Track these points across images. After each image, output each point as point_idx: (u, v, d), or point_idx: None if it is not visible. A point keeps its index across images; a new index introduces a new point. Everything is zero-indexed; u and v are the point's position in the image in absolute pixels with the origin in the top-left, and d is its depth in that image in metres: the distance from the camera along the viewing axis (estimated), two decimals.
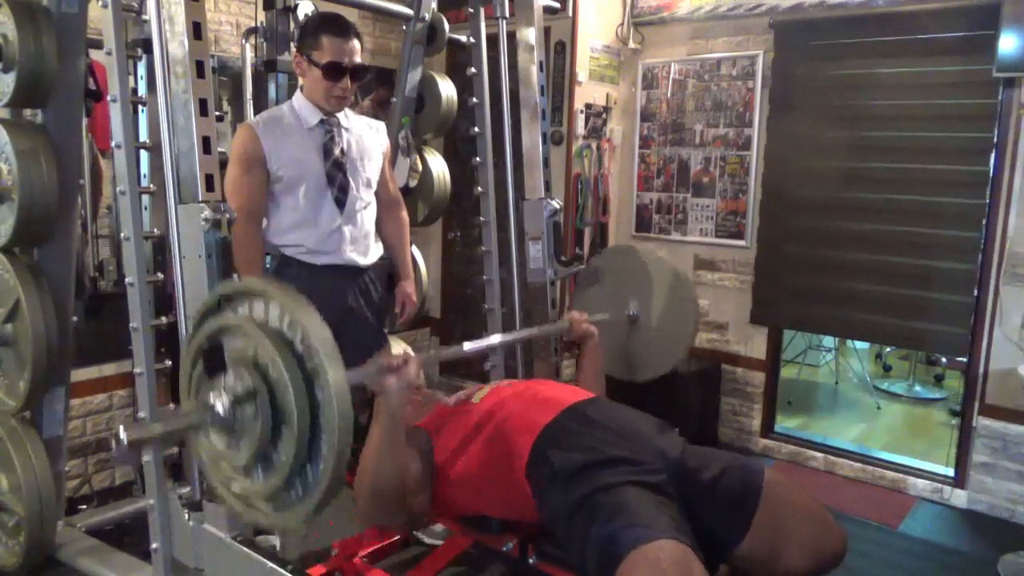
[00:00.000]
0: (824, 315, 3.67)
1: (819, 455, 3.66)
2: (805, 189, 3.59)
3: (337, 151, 2.30)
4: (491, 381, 2.35)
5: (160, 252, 2.40)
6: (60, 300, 2.22)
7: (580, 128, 3.94)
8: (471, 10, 2.81)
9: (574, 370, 2.43)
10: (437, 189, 3.24)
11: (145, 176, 2.50)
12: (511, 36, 2.72)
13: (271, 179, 2.23)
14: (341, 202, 2.30)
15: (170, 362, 2.09)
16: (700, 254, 3.89)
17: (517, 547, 2.00)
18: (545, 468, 1.60)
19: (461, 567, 2.28)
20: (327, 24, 2.22)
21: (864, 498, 3.34)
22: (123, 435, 1.19)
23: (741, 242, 3.78)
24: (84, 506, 2.78)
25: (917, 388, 5.02)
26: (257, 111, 2.80)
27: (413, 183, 3.18)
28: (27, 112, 2.23)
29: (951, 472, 3.34)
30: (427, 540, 2.41)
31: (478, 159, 2.79)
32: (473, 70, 2.79)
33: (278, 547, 2.45)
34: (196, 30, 1.70)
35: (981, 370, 3.19)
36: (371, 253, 2.43)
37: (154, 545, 1.89)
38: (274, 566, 1.70)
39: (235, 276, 1.79)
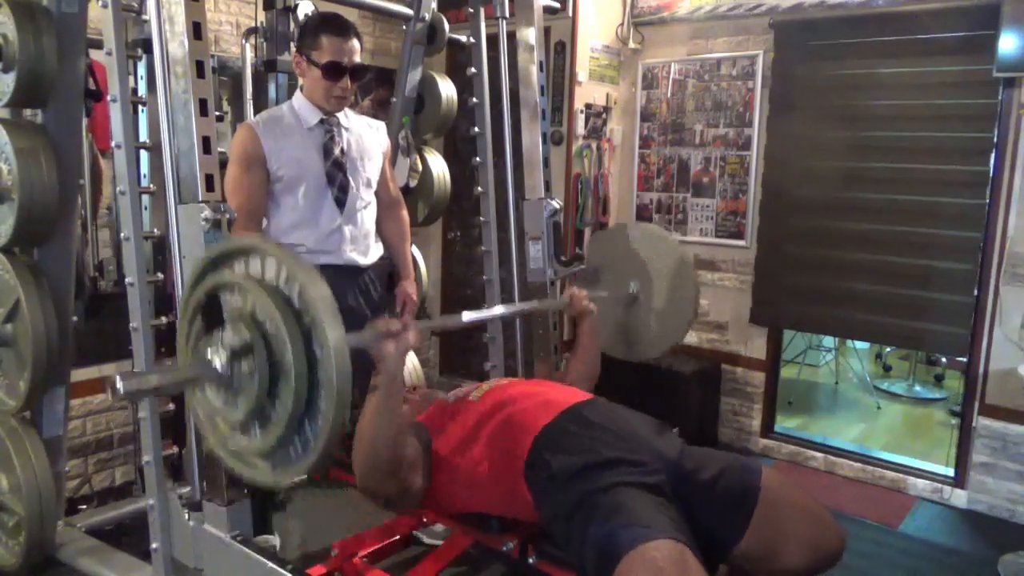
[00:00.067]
0: (824, 315, 3.67)
1: (819, 455, 3.66)
2: (805, 189, 3.59)
3: (337, 151, 2.30)
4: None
5: (160, 252, 2.40)
6: (60, 300, 2.22)
7: (580, 128, 3.94)
8: (471, 10, 2.81)
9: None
10: (437, 189, 3.24)
11: (145, 176, 2.50)
12: (511, 36, 2.72)
13: (271, 179, 2.23)
14: (341, 202, 2.31)
15: (170, 362, 2.09)
16: (700, 254, 3.89)
17: (517, 547, 1.99)
18: (543, 469, 1.60)
19: (461, 567, 2.28)
20: (327, 24, 2.22)
21: (864, 498, 3.34)
22: (119, 385, 1.18)
23: (741, 242, 3.78)
24: (84, 506, 2.78)
25: (917, 388, 5.02)
26: (257, 111, 2.80)
27: (413, 183, 3.18)
28: (27, 112, 2.23)
29: (951, 472, 3.34)
30: (427, 540, 2.41)
31: (478, 159, 2.79)
32: (473, 70, 2.79)
33: (278, 547, 2.45)
34: (196, 30, 1.70)
35: (981, 370, 3.19)
36: (371, 253, 2.43)
37: (154, 545, 1.89)
38: (274, 566, 1.71)
39: None
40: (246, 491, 1.88)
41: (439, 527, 2.38)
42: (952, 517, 3.21)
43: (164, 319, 2.02)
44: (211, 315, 1.29)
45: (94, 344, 2.86)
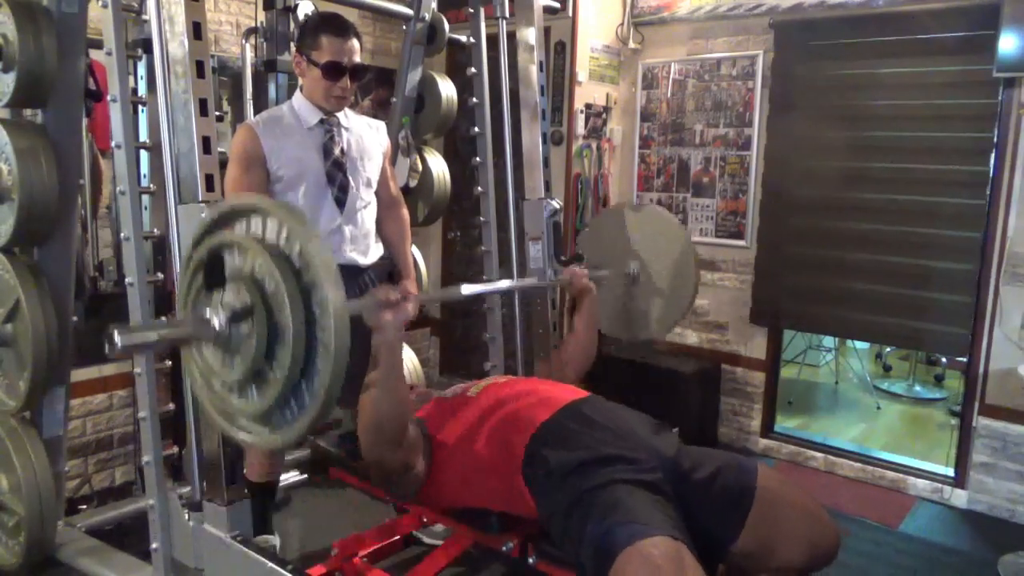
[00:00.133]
0: (824, 315, 3.67)
1: (819, 455, 3.66)
2: (805, 189, 3.59)
3: (337, 151, 2.30)
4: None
5: (160, 252, 2.40)
6: (60, 300, 2.22)
7: (580, 128, 3.94)
8: (471, 10, 2.81)
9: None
10: (437, 189, 3.24)
11: (145, 176, 2.51)
12: (511, 36, 2.72)
13: (271, 179, 2.23)
14: (341, 201, 2.30)
15: (170, 362, 2.09)
16: (700, 254, 3.83)
17: (517, 547, 1.99)
18: (541, 466, 1.60)
19: (461, 567, 2.28)
20: (327, 24, 2.22)
21: (864, 498, 3.34)
22: (118, 339, 1.18)
23: (741, 242, 3.78)
24: (84, 506, 2.78)
25: (917, 388, 5.02)
26: (257, 111, 2.80)
27: (413, 183, 3.18)
28: (27, 112, 2.23)
29: (951, 472, 3.34)
30: (427, 540, 2.41)
31: (478, 159, 2.79)
32: (473, 70, 2.79)
33: (278, 547, 2.45)
34: (196, 30, 1.71)
35: (981, 370, 3.19)
36: (371, 253, 2.43)
37: (154, 545, 1.90)
38: (274, 566, 1.71)
39: None
40: (246, 491, 1.89)
41: (439, 527, 2.38)
42: (952, 517, 3.21)
43: (164, 319, 2.01)
44: (212, 275, 1.29)
45: (94, 344, 2.83)
